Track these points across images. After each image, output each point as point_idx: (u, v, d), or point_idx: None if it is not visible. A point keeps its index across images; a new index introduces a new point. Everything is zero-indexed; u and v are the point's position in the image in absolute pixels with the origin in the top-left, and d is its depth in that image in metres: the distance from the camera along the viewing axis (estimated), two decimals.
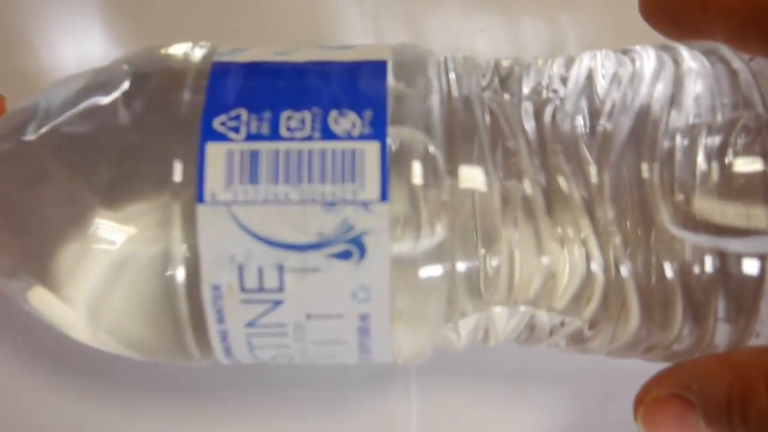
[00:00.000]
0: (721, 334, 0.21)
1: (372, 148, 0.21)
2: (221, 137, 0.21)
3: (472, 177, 0.21)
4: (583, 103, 0.22)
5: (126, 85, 0.22)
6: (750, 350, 0.21)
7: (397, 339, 0.22)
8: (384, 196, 0.20)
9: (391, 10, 0.32)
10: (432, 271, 0.21)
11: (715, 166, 0.21)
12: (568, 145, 0.21)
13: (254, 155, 0.21)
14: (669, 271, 0.21)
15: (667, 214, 0.21)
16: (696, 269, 0.21)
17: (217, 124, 0.21)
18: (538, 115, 0.22)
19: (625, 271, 0.21)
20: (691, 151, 0.21)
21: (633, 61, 0.23)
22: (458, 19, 0.32)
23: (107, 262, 0.21)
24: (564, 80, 0.22)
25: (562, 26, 0.31)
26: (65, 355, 0.27)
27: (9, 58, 0.31)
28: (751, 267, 0.21)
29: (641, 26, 0.23)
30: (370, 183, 0.20)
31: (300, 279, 0.21)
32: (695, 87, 0.22)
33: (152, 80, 0.22)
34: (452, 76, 0.22)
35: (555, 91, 0.22)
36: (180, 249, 0.21)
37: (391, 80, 0.22)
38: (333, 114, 0.21)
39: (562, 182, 0.21)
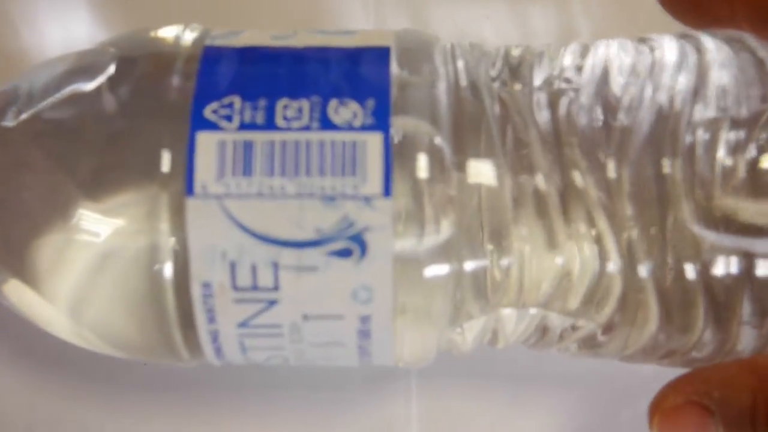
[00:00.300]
0: (745, 339, 0.20)
1: (374, 140, 0.19)
2: (213, 126, 0.20)
3: (482, 171, 0.20)
4: (600, 95, 0.21)
5: (111, 69, 0.21)
6: None
7: (400, 342, 0.21)
8: (387, 190, 0.19)
9: None
10: (437, 270, 0.20)
11: (739, 161, 0.20)
12: (583, 139, 0.20)
13: (248, 146, 0.19)
14: (690, 271, 0.20)
15: (689, 212, 0.20)
16: (719, 270, 0.20)
17: (208, 112, 0.20)
18: (551, 106, 0.21)
19: (643, 271, 0.20)
20: (714, 146, 0.20)
21: (652, 50, 0.21)
22: (462, 4, 0.31)
23: (90, 256, 0.20)
24: (578, 70, 0.21)
25: (572, 13, 0.30)
26: (45, 352, 0.26)
27: None
28: None
29: (655, 13, 0.22)
30: (373, 177, 0.19)
31: (296, 278, 0.20)
32: (720, 78, 0.21)
33: (139, 64, 0.21)
34: (460, 64, 0.21)
35: (569, 82, 0.21)
36: (168, 243, 0.20)
37: (394, 68, 0.21)
38: (333, 103, 0.20)
39: (577, 177, 0.20)
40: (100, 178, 0.20)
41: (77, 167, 0.20)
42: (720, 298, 0.20)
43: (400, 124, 0.20)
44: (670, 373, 0.22)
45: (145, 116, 0.20)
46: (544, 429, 0.27)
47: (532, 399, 0.27)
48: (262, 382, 0.26)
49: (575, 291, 0.21)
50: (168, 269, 0.20)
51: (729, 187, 0.20)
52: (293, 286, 0.20)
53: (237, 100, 0.20)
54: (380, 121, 0.20)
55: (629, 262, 0.20)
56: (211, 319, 0.20)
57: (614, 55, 0.22)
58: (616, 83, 0.21)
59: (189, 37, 0.22)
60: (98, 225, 0.20)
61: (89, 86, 0.21)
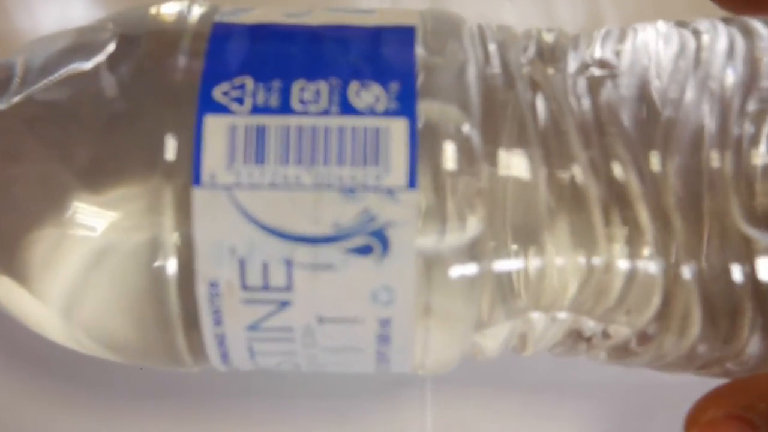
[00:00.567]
0: None
1: (399, 126, 0.18)
2: (222, 109, 0.18)
3: (514, 162, 0.19)
4: (643, 82, 0.20)
5: (111, 47, 0.20)
6: None
7: (421, 348, 0.20)
8: (412, 182, 0.18)
9: None
10: (464, 270, 0.19)
11: None
12: (625, 129, 0.19)
13: (261, 131, 0.18)
14: (738, 274, 0.19)
15: (739, 210, 0.18)
16: None
17: (217, 93, 0.18)
18: (589, 93, 0.19)
19: (687, 272, 0.19)
20: (757, 139, 0.19)
21: (696, 34, 0.20)
22: None
23: (85, 252, 0.19)
24: (617, 55, 0.20)
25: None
26: (36, 355, 0.25)
27: None
28: None
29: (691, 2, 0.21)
30: (397, 167, 0.18)
31: (312, 277, 0.18)
32: None
33: (142, 43, 0.20)
34: (492, 47, 0.20)
35: (608, 68, 0.20)
36: (171, 238, 0.18)
37: (419, 49, 0.19)
38: (354, 85, 0.18)
39: (618, 170, 0.19)
40: (98, 166, 0.19)
41: (73, 155, 0.19)
42: None
43: (425, 110, 0.18)
44: (703, 383, 0.21)
45: (148, 98, 0.19)
46: None
47: (551, 408, 0.26)
48: (267, 388, 0.25)
49: (611, 293, 0.19)
50: (171, 266, 0.19)
51: None
52: (308, 286, 0.18)
53: (249, 81, 0.19)
54: (405, 106, 0.18)
55: (672, 263, 0.19)
56: (218, 322, 0.19)
57: (655, 39, 0.20)
58: (660, 70, 0.20)
59: (196, 13, 0.20)
60: (95, 218, 0.19)
61: (87, 66, 0.20)
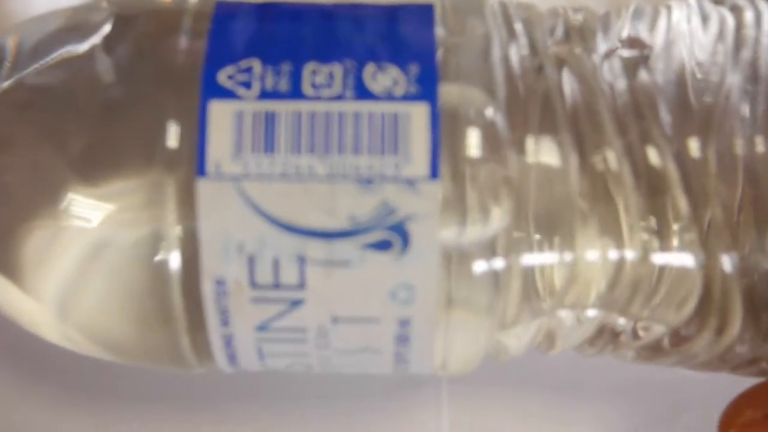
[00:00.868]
0: None
1: (419, 112, 0.17)
2: (228, 94, 0.17)
3: (543, 148, 0.18)
4: (679, 64, 0.18)
5: (107, 28, 0.19)
6: None
7: (442, 349, 0.19)
8: (434, 172, 0.17)
9: None
10: (489, 265, 0.18)
11: None
12: (661, 113, 0.18)
13: (270, 117, 0.17)
14: None
15: None
16: None
17: (222, 77, 0.17)
18: (622, 75, 0.18)
19: (728, 264, 0.18)
20: None
21: (737, 12, 0.19)
22: None
23: (81, 246, 0.18)
24: (651, 35, 0.19)
25: None
26: (29, 355, 0.25)
27: None
28: None
29: None
30: (417, 155, 0.17)
31: (326, 274, 0.17)
32: None
33: (140, 22, 0.19)
34: (518, 26, 0.19)
35: (640, 47, 0.19)
36: (173, 233, 0.18)
37: (439, 28, 0.18)
38: (370, 68, 0.17)
39: (654, 156, 0.18)
40: (94, 155, 0.18)
41: (67, 143, 0.18)
42: None
43: (446, 93, 0.17)
44: (732, 382, 0.20)
45: (147, 83, 0.18)
46: None
47: (571, 408, 0.25)
48: (276, 389, 0.25)
49: (646, 289, 0.18)
50: (173, 263, 0.18)
51: None
52: (322, 284, 0.17)
53: (257, 64, 0.17)
54: (426, 90, 0.17)
55: (712, 255, 0.18)
56: (225, 322, 0.18)
57: (690, 17, 0.19)
58: (698, 52, 0.19)
59: None
60: (91, 211, 0.18)
61: (81, 48, 0.19)
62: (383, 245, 0.17)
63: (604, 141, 0.18)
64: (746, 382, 0.20)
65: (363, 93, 0.17)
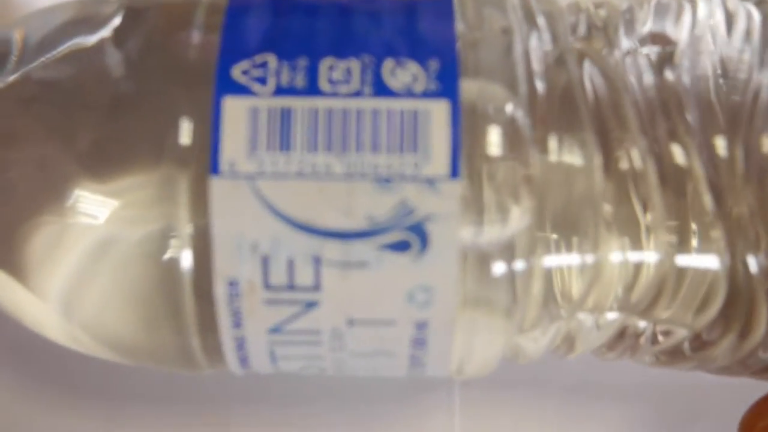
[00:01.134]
0: None
1: (440, 109, 0.17)
2: (243, 90, 0.17)
3: (566, 147, 0.17)
4: (705, 59, 0.18)
5: (117, 21, 0.19)
6: None
7: (459, 352, 0.18)
8: (455, 171, 0.16)
9: None
10: (509, 267, 0.17)
11: None
12: (686, 109, 0.18)
13: (286, 114, 0.17)
14: None
15: None
16: None
17: (237, 72, 0.17)
18: (646, 72, 0.18)
19: (754, 266, 0.17)
20: None
21: (764, 7, 0.19)
22: None
23: (88, 244, 0.18)
24: (676, 30, 0.18)
25: None
26: (33, 355, 0.24)
27: None
28: None
29: None
30: (437, 154, 0.16)
31: (342, 275, 0.17)
32: None
33: (150, 15, 0.19)
34: (540, 20, 0.18)
35: (664, 43, 0.18)
36: (185, 232, 0.17)
37: (459, 23, 0.18)
38: (388, 64, 0.17)
39: (679, 155, 0.17)
40: (102, 151, 0.18)
41: (75, 138, 0.18)
42: None
43: (466, 90, 0.17)
44: (751, 386, 0.20)
45: (158, 77, 0.18)
46: None
47: (585, 412, 0.24)
48: (286, 392, 0.24)
49: (669, 291, 0.18)
50: (185, 263, 0.17)
51: None
52: (338, 286, 0.17)
53: (272, 59, 0.17)
54: (446, 86, 0.17)
55: (738, 255, 0.17)
56: (237, 324, 0.17)
57: (714, 12, 0.19)
58: (724, 48, 0.18)
59: None
60: (99, 207, 0.18)
61: (90, 41, 0.18)
62: (401, 246, 0.17)
63: (628, 139, 0.17)
64: (766, 386, 0.20)
65: (381, 89, 0.17)
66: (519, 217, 0.17)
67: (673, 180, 0.17)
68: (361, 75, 0.17)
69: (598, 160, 0.17)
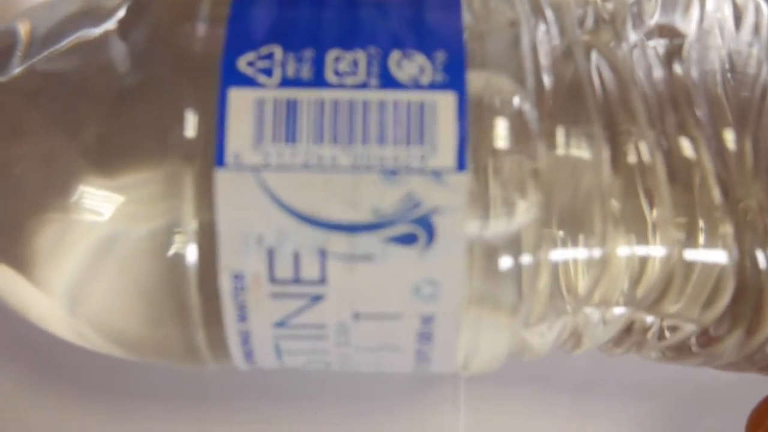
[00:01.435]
0: None
1: (446, 100, 0.16)
2: (248, 81, 0.17)
3: (574, 140, 0.17)
4: (713, 53, 0.18)
5: (121, 13, 0.18)
6: None
7: (465, 347, 0.18)
8: (462, 163, 0.16)
9: None
10: (516, 261, 0.17)
11: None
12: (694, 103, 0.17)
13: (292, 105, 0.16)
14: None
15: None
16: None
17: (242, 64, 0.17)
18: (655, 65, 0.18)
19: (763, 261, 0.17)
20: None
21: None
22: None
23: (93, 239, 0.18)
24: (684, 23, 0.18)
25: None
26: (38, 350, 0.24)
27: None
28: None
29: None
30: (444, 146, 0.16)
31: (348, 269, 0.17)
32: None
33: (155, 7, 0.19)
34: (549, 12, 0.18)
35: (672, 36, 0.18)
36: (190, 225, 0.17)
37: (466, 14, 0.18)
38: (395, 55, 0.17)
39: (687, 147, 0.17)
40: (108, 145, 0.18)
41: (80, 132, 0.18)
42: None
43: (474, 81, 0.17)
44: (757, 382, 0.20)
45: (164, 69, 0.18)
46: None
47: (592, 408, 0.24)
48: (290, 388, 0.24)
49: (677, 286, 0.18)
50: (190, 256, 0.17)
51: None
52: (343, 279, 0.17)
53: (278, 50, 0.17)
54: (453, 78, 0.16)
55: (747, 250, 0.17)
56: (242, 318, 0.17)
57: (723, 5, 0.19)
58: (733, 42, 0.18)
59: None
60: (104, 202, 0.18)
61: (94, 33, 0.18)
62: (407, 239, 0.16)
63: (637, 133, 0.17)
64: None
65: (388, 81, 0.17)
66: (525, 212, 0.17)
67: (682, 174, 0.17)
68: (367, 66, 0.17)
69: (606, 154, 0.17)
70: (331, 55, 0.17)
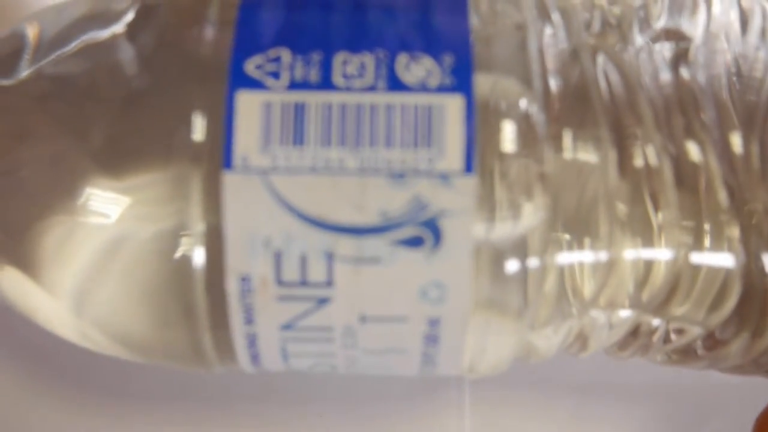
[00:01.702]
0: None
1: (454, 104, 0.16)
2: (256, 84, 0.17)
3: (581, 144, 0.17)
4: (719, 57, 0.18)
5: (130, 16, 0.18)
6: None
7: (472, 350, 0.18)
8: (469, 166, 0.16)
9: None
10: (522, 264, 0.17)
11: None
12: (701, 106, 0.17)
13: (299, 109, 0.16)
14: None
15: None
16: None
17: (250, 67, 0.17)
18: (661, 68, 0.18)
19: None
20: None
21: None
22: None
23: (100, 241, 0.18)
24: (691, 26, 0.18)
25: None
26: (44, 353, 0.24)
27: None
28: None
29: None
30: (452, 149, 0.16)
31: (355, 271, 0.17)
32: None
33: (163, 10, 0.19)
34: (556, 16, 0.18)
35: (680, 39, 0.18)
36: (197, 228, 0.17)
37: (473, 17, 0.18)
38: (402, 58, 0.17)
39: (694, 151, 0.17)
40: (116, 148, 0.18)
41: (88, 135, 0.18)
42: None
43: (481, 84, 0.17)
44: (762, 385, 0.20)
45: (172, 72, 0.18)
46: None
47: (596, 411, 0.24)
48: (294, 391, 0.24)
49: (684, 289, 0.18)
50: (197, 259, 0.17)
51: None
52: (350, 282, 0.17)
53: (285, 53, 0.17)
54: (461, 81, 0.16)
55: (753, 254, 0.17)
56: (249, 320, 0.17)
57: (729, 9, 0.19)
58: (740, 47, 0.18)
59: None
60: (112, 205, 0.18)
61: (102, 36, 0.18)
62: (415, 242, 0.16)
63: (644, 137, 0.17)
64: None
65: (396, 84, 0.17)
66: (532, 215, 0.17)
67: (688, 177, 0.17)
68: (375, 70, 0.17)
69: (613, 158, 0.17)
70: (339, 58, 0.17)
